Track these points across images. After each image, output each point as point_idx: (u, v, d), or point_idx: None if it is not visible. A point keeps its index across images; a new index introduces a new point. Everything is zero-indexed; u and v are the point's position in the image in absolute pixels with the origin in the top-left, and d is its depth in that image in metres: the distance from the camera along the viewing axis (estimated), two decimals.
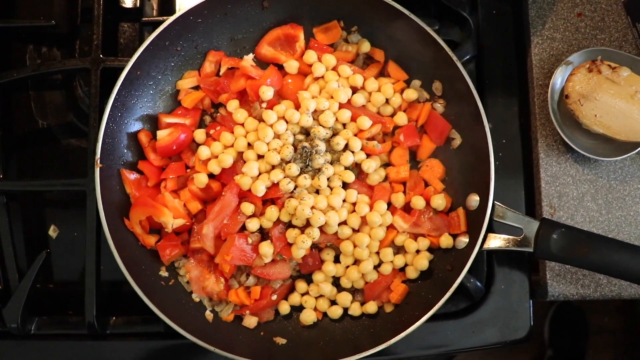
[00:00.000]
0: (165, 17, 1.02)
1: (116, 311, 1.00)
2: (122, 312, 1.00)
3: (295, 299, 0.97)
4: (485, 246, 0.93)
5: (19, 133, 1.09)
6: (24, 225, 1.05)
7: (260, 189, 0.93)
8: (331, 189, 0.96)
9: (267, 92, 0.96)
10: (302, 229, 0.94)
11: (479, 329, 0.99)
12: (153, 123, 1.00)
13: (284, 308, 0.97)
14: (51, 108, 1.09)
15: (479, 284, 0.98)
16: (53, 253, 1.04)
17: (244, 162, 0.96)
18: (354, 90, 1.00)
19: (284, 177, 0.94)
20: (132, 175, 0.97)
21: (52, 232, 1.05)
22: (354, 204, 0.96)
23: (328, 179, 0.95)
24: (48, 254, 1.03)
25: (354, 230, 0.96)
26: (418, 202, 0.96)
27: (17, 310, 0.97)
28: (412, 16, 0.95)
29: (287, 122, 0.96)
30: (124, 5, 1.08)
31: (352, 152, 0.96)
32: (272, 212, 0.93)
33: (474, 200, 0.95)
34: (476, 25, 1.05)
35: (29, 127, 1.09)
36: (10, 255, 1.01)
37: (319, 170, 0.95)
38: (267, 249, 0.92)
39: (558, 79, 1.00)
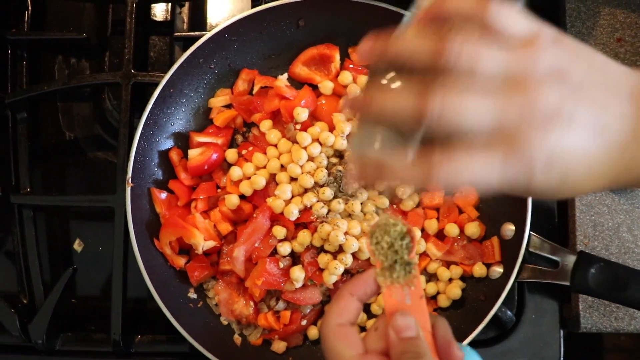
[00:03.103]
0: (197, 33, 1.01)
1: (141, 329, 0.99)
2: (147, 330, 0.99)
3: None
4: (520, 277, 0.91)
5: (46, 145, 1.08)
6: (49, 239, 1.04)
7: (293, 213, 0.91)
8: (364, 214, 0.94)
9: (302, 114, 0.94)
10: (335, 255, 0.92)
11: (509, 358, 0.97)
12: (184, 141, 0.99)
13: (313, 333, 0.95)
14: (79, 120, 1.08)
15: (509, 313, 0.96)
16: (77, 267, 1.02)
17: (277, 184, 0.94)
18: None
19: (317, 201, 0.92)
20: (163, 195, 0.96)
21: (77, 246, 1.04)
22: None
23: (361, 203, 0.93)
24: (74, 270, 1.01)
25: None
26: (452, 230, 0.94)
27: (43, 326, 0.96)
28: None
29: (321, 144, 0.94)
30: (155, 18, 1.07)
31: None
32: (304, 236, 0.92)
33: (509, 229, 0.93)
34: None
35: (56, 139, 1.08)
36: (36, 270, 1.00)
37: (353, 194, 0.93)
38: (298, 273, 0.91)
39: None
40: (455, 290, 0.94)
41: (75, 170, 1.07)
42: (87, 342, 1.00)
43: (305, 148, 0.94)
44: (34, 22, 1.07)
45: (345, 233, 0.91)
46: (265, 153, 0.96)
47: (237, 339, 0.95)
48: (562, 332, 0.98)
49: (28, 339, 0.97)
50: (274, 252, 0.93)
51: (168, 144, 0.98)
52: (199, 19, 1.07)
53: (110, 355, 0.97)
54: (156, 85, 0.94)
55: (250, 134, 1.00)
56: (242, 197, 0.96)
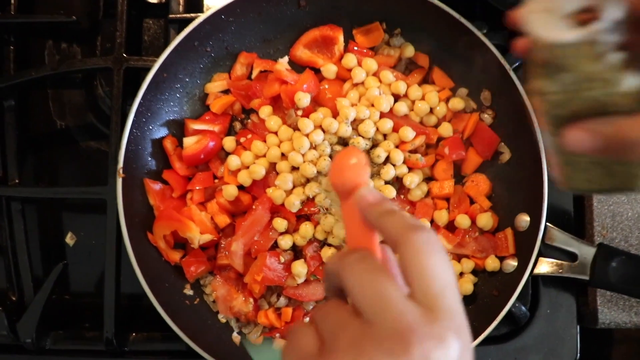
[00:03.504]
0: (193, 15, 0.97)
1: (135, 326, 0.96)
2: (142, 327, 0.96)
3: None
4: (536, 271, 0.87)
5: (36, 134, 1.04)
6: (40, 232, 1.01)
7: (294, 204, 0.87)
8: None
9: (304, 99, 0.90)
10: (339, 248, 0.88)
11: (522, 355, 0.94)
12: (179, 129, 0.95)
13: None
14: (70, 108, 1.04)
15: (523, 308, 0.93)
16: (70, 262, 0.99)
17: (277, 173, 0.90)
18: (396, 98, 0.93)
19: (320, 192, 0.89)
20: (157, 186, 0.92)
21: (69, 239, 1.01)
22: None
23: None
24: (65, 265, 0.98)
25: None
26: (463, 221, 0.90)
27: (32, 324, 0.92)
28: (461, 18, 0.89)
29: (324, 131, 0.90)
30: (148, 0, 1.02)
31: (394, 165, 0.90)
32: (306, 229, 0.88)
33: (524, 220, 0.89)
34: None
35: (47, 128, 1.04)
36: (26, 265, 0.97)
37: None
38: (300, 268, 0.87)
39: None
40: (467, 285, 0.90)
41: (67, 161, 1.04)
42: (79, 340, 0.96)
43: (307, 135, 0.90)
44: (22, 5, 1.02)
45: None
46: (264, 141, 0.92)
47: (235, 337, 0.92)
48: (578, 327, 0.95)
49: (17, 338, 0.93)
50: (275, 245, 0.90)
51: (162, 132, 0.94)
52: (194, 0, 1.02)
53: (104, 354, 0.94)
54: (149, 70, 0.89)
55: (249, 120, 0.96)
56: (241, 187, 0.92)
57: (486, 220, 0.91)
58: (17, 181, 0.99)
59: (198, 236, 0.88)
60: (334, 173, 0.56)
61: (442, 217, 0.91)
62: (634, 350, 1.91)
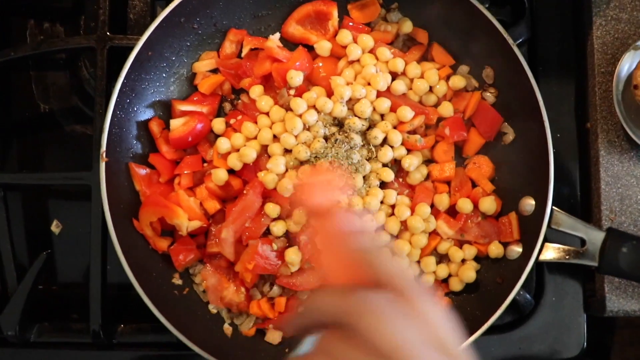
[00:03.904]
0: None
1: (124, 318, 0.94)
2: (131, 319, 0.95)
3: None
4: (541, 257, 0.85)
5: (19, 118, 1.03)
6: (25, 220, 0.99)
7: (287, 189, 0.86)
8: (368, 187, 0.89)
9: (296, 78, 0.88)
10: None
11: (527, 345, 0.92)
12: (166, 110, 0.93)
13: None
14: (54, 90, 1.03)
15: (528, 296, 0.90)
16: (56, 251, 0.98)
17: (269, 156, 0.89)
18: (394, 76, 0.91)
19: None
20: (142, 171, 0.90)
21: (55, 227, 0.99)
22: (393, 207, 0.89)
23: (364, 177, 0.88)
24: (50, 254, 0.96)
25: (393, 237, 0.89)
26: (464, 205, 0.89)
27: (15, 316, 0.91)
28: None
29: (318, 111, 0.88)
30: None
31: (391, 147, 0.89)
32: (300, 214, 0.86)
33: (528, 204, 0.87)
34: (530, 3, 0.96)
35: (30, 112, 1.03)
36: (8, 254, 0.95)
37: (355, 168, 0.88)
38: (294, 256, 0.86)
39: (625, 65, 0.91)
40: (469, 273, 0.89)
41: (51, 146, 1.03)
42: (65, 332, 0.95)
43: (300, 116, 0.88)
44: None
45: None
46: (255, 122, 0.91)
47: (227, 329, 0.90)
48: (585, 316, 0.93)
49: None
50: (267, 232, 0.89)
51: (148, 113, 0.92)
52: None
53: (91, 346, 0.92)
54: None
55: (239, 101, 0.94)
56: (231, 171, 0.90)
57: (489, 204, 0.89)
58: None
59: (186, 223, 0.87)
60: (304, 190, 0.53)
61: (442, 201, 0.90)
62: (635, 336, 1.90)
